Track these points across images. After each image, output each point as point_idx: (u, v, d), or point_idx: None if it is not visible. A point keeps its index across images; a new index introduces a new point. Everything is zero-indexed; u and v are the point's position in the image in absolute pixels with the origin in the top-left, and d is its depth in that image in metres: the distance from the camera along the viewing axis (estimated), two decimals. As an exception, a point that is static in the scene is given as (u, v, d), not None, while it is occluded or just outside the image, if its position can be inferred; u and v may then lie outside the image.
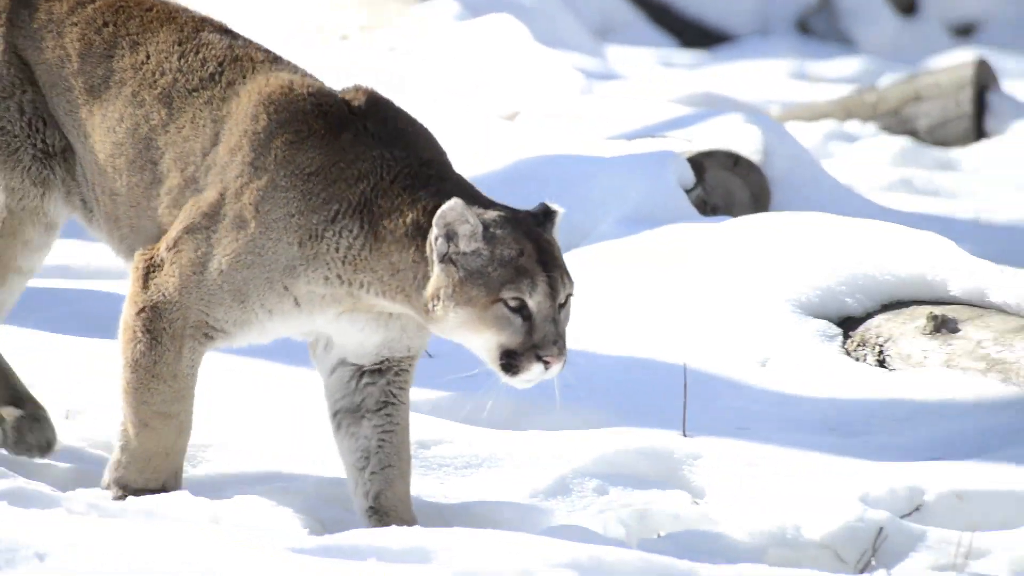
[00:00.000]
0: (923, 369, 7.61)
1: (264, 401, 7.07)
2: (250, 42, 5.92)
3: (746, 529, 5.97)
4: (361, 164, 5.61)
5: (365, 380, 5.89)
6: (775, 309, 7.97)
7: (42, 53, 5.98)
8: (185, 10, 6.01)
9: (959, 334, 7.60)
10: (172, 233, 5.69)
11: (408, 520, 5.86)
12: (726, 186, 10.39)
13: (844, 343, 7.93)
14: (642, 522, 6.15)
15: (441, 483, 6.46)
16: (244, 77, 5.77)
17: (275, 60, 5.85)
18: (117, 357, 5.79)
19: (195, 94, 5.77)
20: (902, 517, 6.23)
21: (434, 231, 5.49)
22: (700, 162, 10.44)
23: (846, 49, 24.71)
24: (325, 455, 6.46)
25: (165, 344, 5.70)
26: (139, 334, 5.69)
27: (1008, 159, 14.97)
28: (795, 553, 5.97)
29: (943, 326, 7.64)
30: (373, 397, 5.89)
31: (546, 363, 5.45)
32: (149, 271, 5.72)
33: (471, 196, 5.59)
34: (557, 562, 4.86)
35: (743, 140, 10.76)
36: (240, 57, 5.82)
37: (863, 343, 7.86)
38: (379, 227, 5.58)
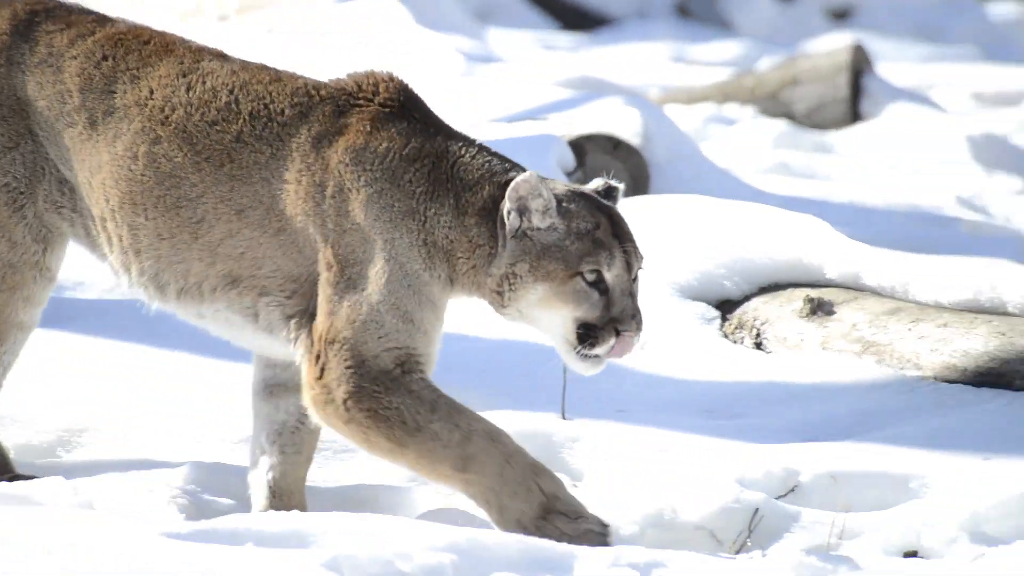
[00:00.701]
0: (799, 351, 7.66)
1: (139, 386, 6.99)
2: (247, 63, 5.85)
3: (624, 511, 5.98)
4: (434, 151, 5.57)
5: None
6: (654, 292, 7.99)
7: (42, 88, 5.85)
8: (183, 41, 5.94)
9: (835, 316, 7.66)
10: (320, 316, 5.51)
11: (303, 507, 5.85)
12: (606, 169, 10.40)
13: (722, 326, 7.98)
14: (521, 505, 6.14)
15: (319, 467, 6.43)
16: (267, 107, 5.66)
17: (277, 78, 5.76)
18: (361, 442, 5.48)
19: (217, 128, 5.68)
20: (777, 498, 6.27)
21: (507, 204, 5.45)
22: (581, 145, 10.46)
23: (725, 33, 24.91)
24: (200, 440, 6.40)
25: (392, 399, 5.45)
26: (369, 421, 5.45)
27: (883, 142, 15.15)
28: (672, 535, 5.99)
29: (819, 309, 7.71)
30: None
31: (623, 337, 5.41)
32: (316, 362, 5.52)
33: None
34: (436, 545, 4.84)
35: (623, 123, 10.80)
36: (248, 82, 5.74)
37: (740, 326, 7.91)
38: (461, 200, 5.54)
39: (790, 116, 15.98)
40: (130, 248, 5.76)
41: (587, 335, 5.40)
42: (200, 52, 5.85)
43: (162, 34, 5.93)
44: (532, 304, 5.42)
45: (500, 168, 5.57)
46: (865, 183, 13.22)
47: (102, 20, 5.96)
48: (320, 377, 5.50)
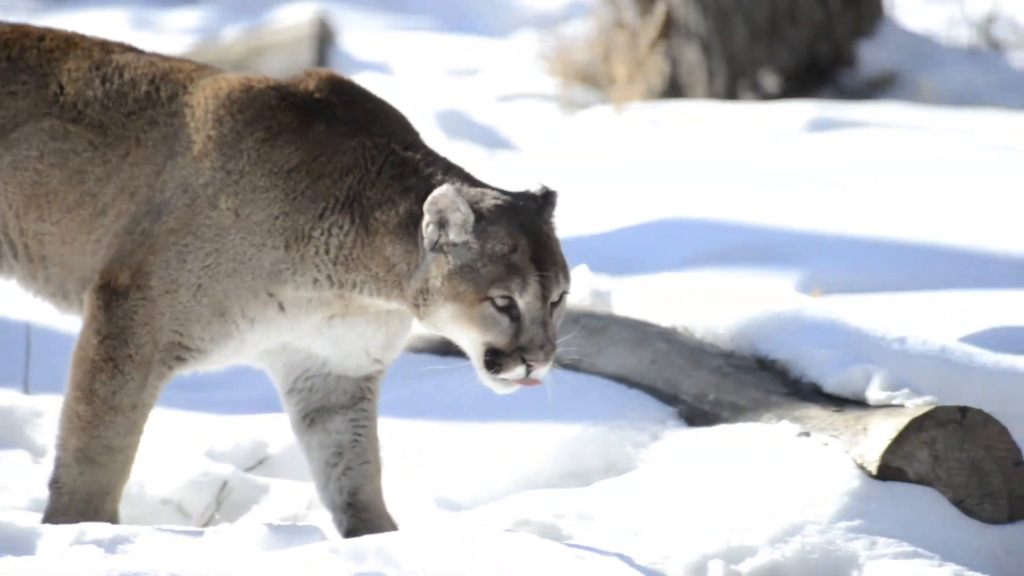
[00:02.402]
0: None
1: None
2: (166, 56, 5.54)
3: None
4: (343, 156, 5.26)
5: (339, 375, 5.54)
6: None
7: None
8: (82, 35, 5.56)
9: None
10: (135, 259, 5.23)
11: (386, 515, 5.59)
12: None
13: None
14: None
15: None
16: (186, 87, 5.39)
17: (203, 67, 5.46)
18: (69, 390, 5.29)
19: (133, 117, 5.37)
20: (247, 470, 6.29)
21: (425, 218, 5.13)
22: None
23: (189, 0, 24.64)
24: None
25: (129, 372, 5.28)
26: (100, 363, 5.27)
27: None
28: (139, 509, 5.94)
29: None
30: (348, 393, 5.54)
31: (530, 367, 5.11)
32: (111, 300, 5.24)
33: (466, 180, 5.25)
34: None
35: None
36: (169, 71, 5.44)
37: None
38: (370, 220, 5.22)
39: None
40: (36, 256, 5.47)
41: (494, 361, 5.14)
42: (107, 44, 5.53)
43: (53, 30, 5.60)
44: (444, 321, 5.16)
45: (416, 181, 5.29)
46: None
47: None
48: (113, 301, 5.32)
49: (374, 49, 19.49)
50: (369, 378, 5.55)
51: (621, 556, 4.98)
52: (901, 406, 5.68)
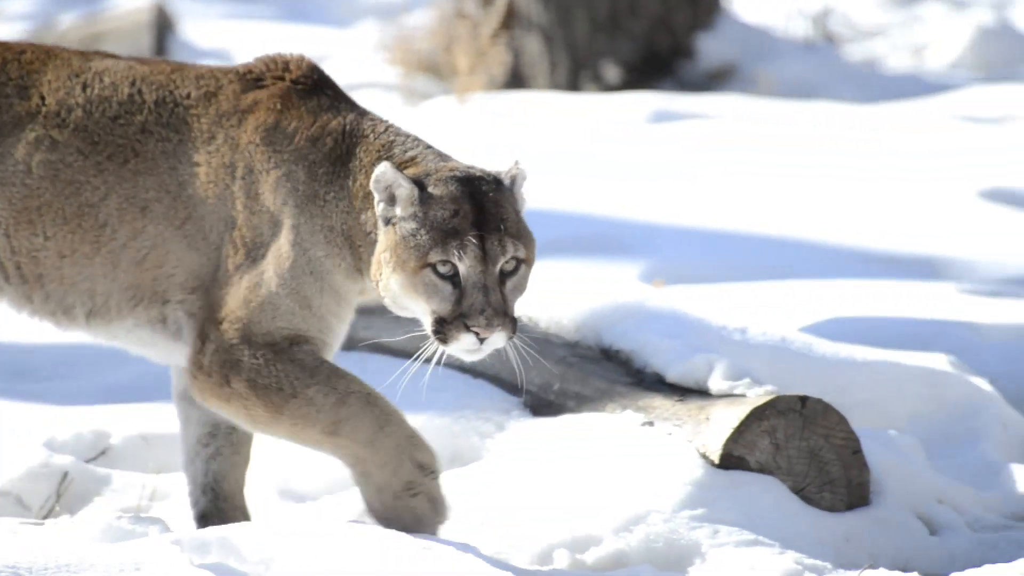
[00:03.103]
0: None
1: None
2: (143, 58, 5.45)
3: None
4: (339, 129, 5.32)
5: None
6: None
7: None
8: (61, 47, 5.44)
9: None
10: (214, 294, 5.24)
11: (242, 509, 5.52)
12: None
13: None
14: None
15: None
16: (172, 93, 5.33)
17: (179, 67, 5.37)
18: (241, 417, 5.18)
19: (120, 122, 5.28)
20: (88, 461, 6.22)
21: (375, 196, 5.07)
22: None
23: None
24: None
25: (274, 368, 5.17)
26: (253, 395, 5.17)
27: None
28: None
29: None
30: None
31: (475, 333, 4.98)
32: (200, 339, 5.20)
33: (436, 155, 5.21)
34: None
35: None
36: (148, 74, 5.36)
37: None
38: (356, 183, 5.21)
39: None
40: (31, 275, 5.32)
41: (439, 330, 5.02)
42: (86, 54, 5.43)
43: (32, 43, 5.49)
44: (396, 294, 5.07)
45: (400, 150, 5.26)
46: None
47: None
48: (202, 353, 5.20)
49: (214, 37, 19.33)
50: None
51: (467, 547, 4.99)
52: (743, 396, 5.76)
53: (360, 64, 17.61)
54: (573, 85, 16.12)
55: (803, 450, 5.63)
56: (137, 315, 5.35)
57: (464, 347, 5.01)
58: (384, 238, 5.09)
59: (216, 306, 5.25)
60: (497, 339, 5.00)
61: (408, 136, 5.33)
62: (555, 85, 16.09)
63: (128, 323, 5.37)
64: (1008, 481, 6.12)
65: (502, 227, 5.08)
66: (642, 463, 5.60)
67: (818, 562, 5.30)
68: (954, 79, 16.81)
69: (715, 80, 16.39)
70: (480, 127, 13.34)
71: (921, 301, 7.86)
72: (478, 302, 5.00)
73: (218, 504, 5.53)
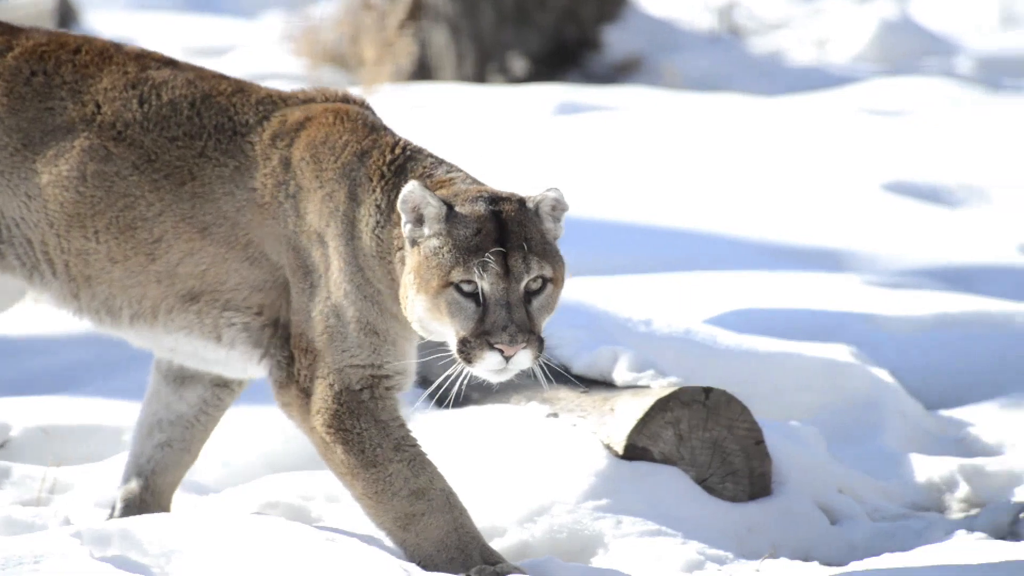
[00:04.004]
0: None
1: None
2: (202, 70, 5.33)
3: None
4: (387, 150, 5.23)
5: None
6: None
7: None
8: (116, 46, 5.32)
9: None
10: (295, 321, 5.18)
11: (167, 510, 5.51)
12: None
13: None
14: None
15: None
16: (232, 120, 5.25)
17: (240, 88, 5.28)
18: (321, 454, 5.14)
19: (178, 144, 5.20)
20: (-10, 454, 6.17)
21: (403, 218, 4.93)
22: None
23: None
24: None
25: (356, 422, 5.12)
26: (329, 437, 5.11)
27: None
28: None
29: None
30: (224, 378, 5.49)
31: (500, 351, 4.83)
32: (293, 366, 5.15)
33: (470, 180, 5.11)
34: None
35: None
36: (209, 93, 5.26)
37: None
38: (393, 204, 5.11)
39: None
40: (79, 275, 5.25)
41: (463, 350, 4.88)
42: (143, 59, 5.32)
43: (89, 39, 5.34)
44: (421, 316, 4.94)
45: (441, 171, 5.17)
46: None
47: (13, 32, 5.33)
48: (297, 382, 5.15)
49: (118, 27, 19.16)
50: (240, 382, 5.56)
51: (370, 538, 4.99)
52: (647, 387, 5.78)
53: (265, 55, 17.52)
54: (480, 77, 16.12)
55: (706, 441, 5.66)
56: (190, 321, 5.29)
57: (489, 367, 4.88)
58: (409, 260, 4.98)
59: (299, 335, 5.19)
60: (523, 358, 4.87)
61: (450, 164, 5.24)
62: (462, 77, 16.09)
63: (178, 327, 5.30)
64: (907, 471, 6.19)
65: (525, 245, 4.96)
66: (547, 454, 5.61)
67: (720, 552, 5.34)
68: (857, 72, 16.96)
69: (621, 72, 16.45)
70: (386, 119, 13.31)
71: (824, 293, 7.93)
72: (501, 319, 4.88)
73: (144, 497, 5.51)
